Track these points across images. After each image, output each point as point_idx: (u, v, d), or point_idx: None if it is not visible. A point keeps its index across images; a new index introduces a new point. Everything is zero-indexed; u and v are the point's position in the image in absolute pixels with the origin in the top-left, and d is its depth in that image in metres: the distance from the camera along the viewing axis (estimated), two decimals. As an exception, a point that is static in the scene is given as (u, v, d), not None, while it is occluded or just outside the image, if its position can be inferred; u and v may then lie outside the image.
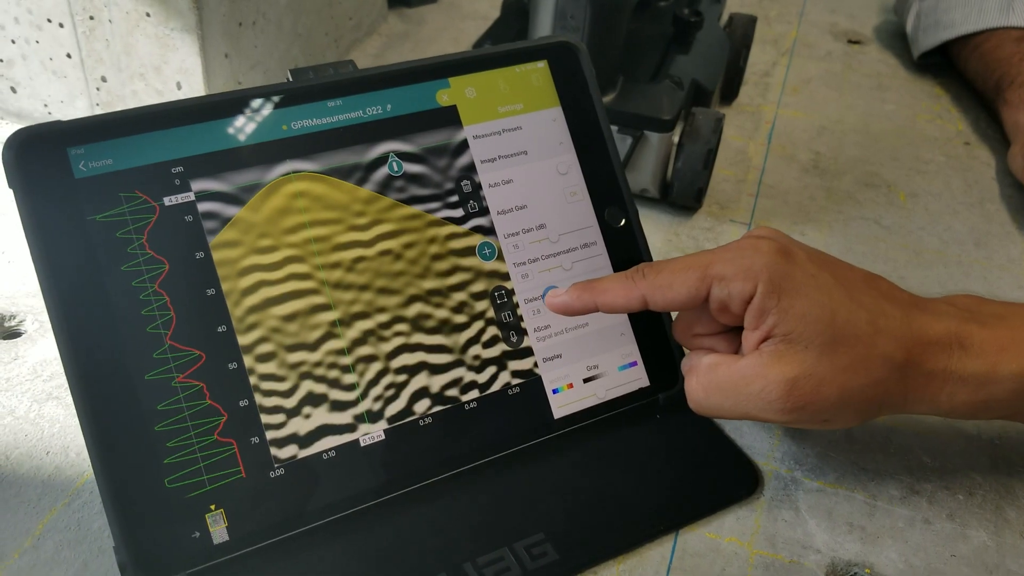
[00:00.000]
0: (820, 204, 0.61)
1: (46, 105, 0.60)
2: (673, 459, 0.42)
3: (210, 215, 0.38)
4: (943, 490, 0.42)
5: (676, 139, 0.56)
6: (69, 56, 0.57)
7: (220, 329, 0.37)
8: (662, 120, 0.55)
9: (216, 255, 0.38)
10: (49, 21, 0.56)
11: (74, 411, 0.42)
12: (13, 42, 0.58)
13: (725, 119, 0.58)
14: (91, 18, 0.56)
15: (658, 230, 0.57)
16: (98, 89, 0.58)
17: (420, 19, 0.81)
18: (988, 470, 0.43)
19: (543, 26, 0.55)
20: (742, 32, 0.68)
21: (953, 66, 0.77)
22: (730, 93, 0.70)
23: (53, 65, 0.58)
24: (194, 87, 0.56)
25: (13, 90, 0.60)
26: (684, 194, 0.57)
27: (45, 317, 0.48)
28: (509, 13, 0.66)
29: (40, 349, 0.46)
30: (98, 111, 0.59)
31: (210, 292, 0.37)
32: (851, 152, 0.67)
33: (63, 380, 0.44)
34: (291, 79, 0.41)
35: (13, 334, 0.47)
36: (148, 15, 0.54)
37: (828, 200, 0.62)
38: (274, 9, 0.61)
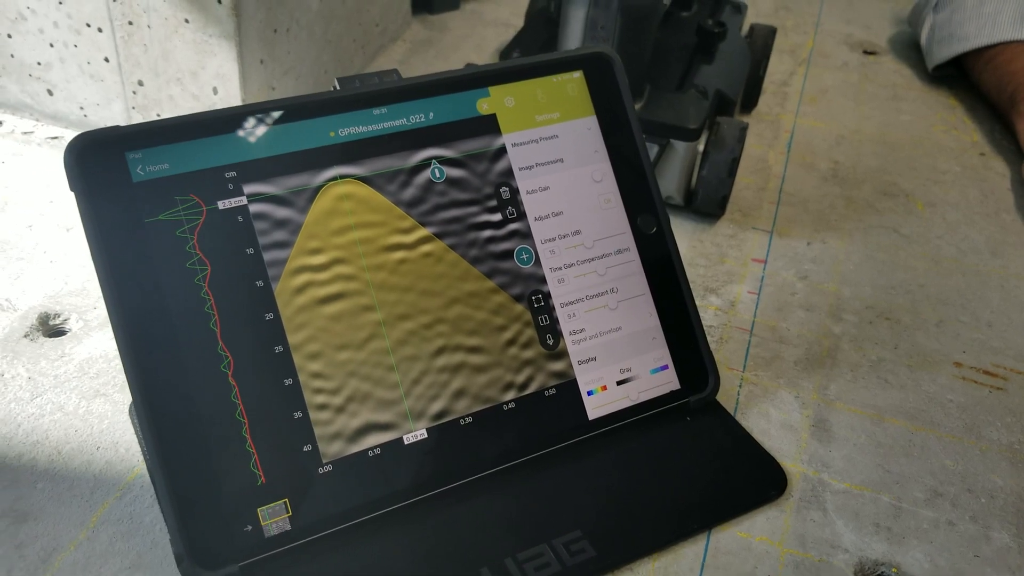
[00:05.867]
0: (840, 212, 0.62)
1: (82, 108, 0.62)
2: (704, 460, 0.44)
3: (261, 216, 0.39)
4: (966, 493, 0.43)
5: (701, 148, 0.58)
6: (107, 60, 0.59)
7: (270, 328, 0.38)
8: (689, 129, 0.56)
9: (267, 256, 0.39)
10: (88, 25, 0.58)
11: (121, 407, 0.43)
12: (51, 45, 0.59)
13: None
14: (130, 23, 0.57)
15: (682, 237, 0.58)
16: (134, 93, 0.60)
17: (443, 26, 0.82)
18: (1008, 474, 0.44)
19: (573, 35, 0.56)
20: (763, 43, 0.69)
21: (967, 78, 0.78)
22: (750, 102, 0.71)
23: (91, 69, 0.59)
24: (230, 92, 0.58)
25: (50, 92, 0.62)
26: (709, 202, 0.58)
27: (89, 315, 0.49)
28: (535, 22, 0.68)
29: (86, 347, 0.47)
30: (134, 114, 0.61)
31: (260, 285, 0.39)
32: (869, 162, 0.68)
33: (110, 377, 0.46)
34: (338, 87, 0.42)
35: (58, 332, 0.48)
36: (187, 21, 0.56)
37: (848, 209, 0.63)
38: (306, 16, 0.62)
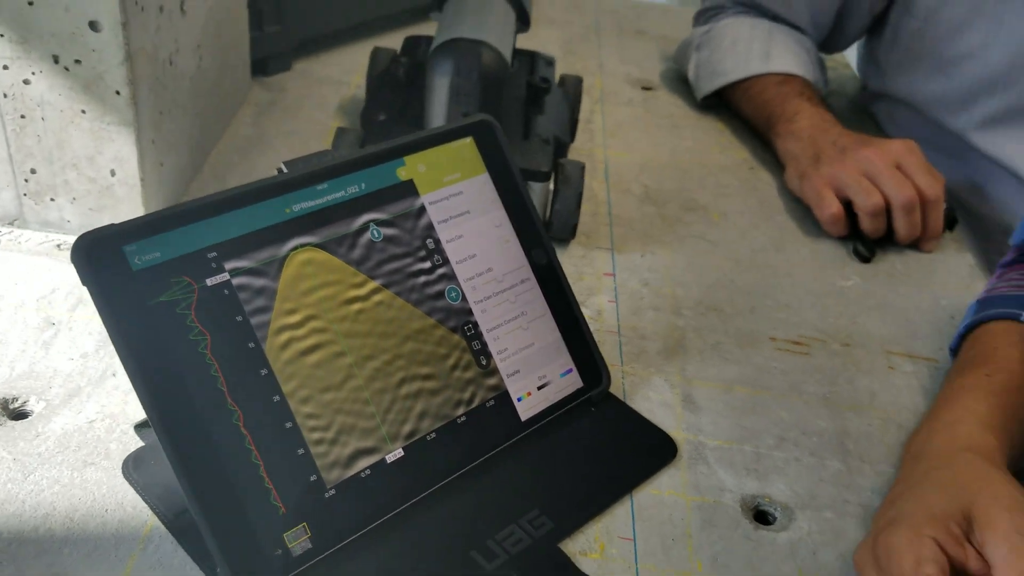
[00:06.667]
0: (659, 227, 0.76)
1: (-37, 198, 0.63)
2: (614, 439, 0.55)
3: (242, 287, 0.46)
4: (801, 435, 0.57)
5: (552, 186, 0.69)
6: (-6, 151, 0.61)
7: (266, 381, 0.45)
8: (542, 172, 0.67)
9: (253, 320, 0.45)
10: (-28, 120, 0.60)
11: (113, 472, 0.48)
12: (-70, 141, 0.60)
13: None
14: (22, 117, 0.59)
15: (543, 261, 0.69)
16: (26, 180, 0.62)
17: (280, 87, 0.88)
18: (828, 417, 0.59)
19: (439, 101, 0.65)
20: (574, 90, 0.82)
21: (730, 106, 0.95)
22: (570, 140, 0.84)
23: (-25, 160, 0.61)
24: (129, 172, 0.62)
25: (-74, 186, 0.62)
26: (562, 230, 0.69)
27: (48, 395, 0.52)
28: (383, 85, 0.76)
29: (58, 424, 0.50)
30: (27, 200, 0.63)
31: (252, 347, 0.45)
32: (669, 183, 0.83)
33: (92, 448, 0.49)
34: (285, 171, 0.49)
35: (21, 415, 0.51)
36: (84, 112, 0.59)
37: (664, 224, 0.77)
38: (182, 96, 0.67)
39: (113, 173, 0.62)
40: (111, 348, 0.56)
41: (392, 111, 0.72)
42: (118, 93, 0.59)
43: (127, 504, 0.47)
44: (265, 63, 0.88)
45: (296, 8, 0.87)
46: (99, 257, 0.42)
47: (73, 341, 0.57)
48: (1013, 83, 0.85)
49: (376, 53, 0.80)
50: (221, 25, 0.74)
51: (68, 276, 0.62)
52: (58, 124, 0.60)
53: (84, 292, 0.59)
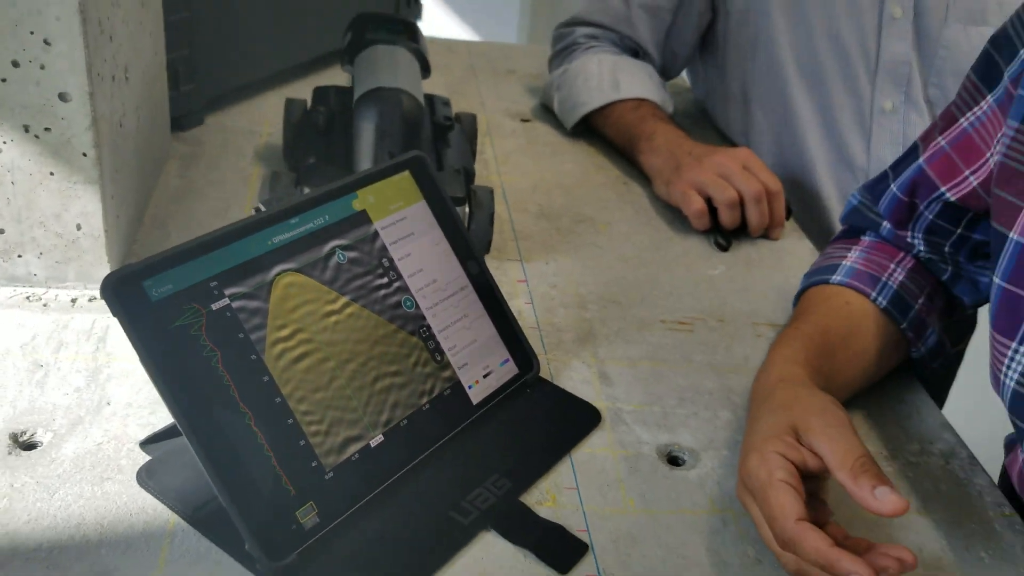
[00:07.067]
0: (556, 240, 0.88)
1: (-69, 260, 0.68)
2: (550, 413, 0.66)
3: (241, 310, 0.54)
4: (696, 395, 0.70)
5: (467, 209, 0.80)
6: (-37, 215, 0.67)
7: (268, 387, 0.54)
8: (458, 198, 0.78)
9: (252, 336, 0.54)
10: (-58, 188, 0.65)
11: (128, 484, 0.55)
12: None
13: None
14: (-7, 181, 0.66)
15: (464, 275, 0.80)
16: (-5, 239, 0.68)
17: (197, 140, 0.95)
18: (714, 379, 0.72)
19: (367, 143, 0.75)
20: (471, 126, 0.93)
21: (596, 132, 1.08)
22: (474, 169, 0.95)
23: (-54, 225, 0.67)
24: (94, 225, 0.69)
25: None
26: (480, 247, 0.80)
27: (54, 426, 0.59)
28: (303, 132, 0.85)
29: (69, 449, 0.57)
30: (-4, 258, 0.69)
31: (254, 358, 0.54)
32: (559, 201, 0.95)
33: (105, 466, 0.57)
34: (263, 209, 0.58)
35: (32, 445, 0.57)
36: (52, 174, 0.66)
37: (560, 236, 0.89)
38: (131, 154, 0.74)
39: (79, 227, 0.68)
40: (101, 380, 0.64)
41: (318, 154, 0.81)
42: (85, 155, 0.66)
43: (148, 508, 0.55)
44: (181, 119, 0.95)
45: (208, 67, 0.95)
46: (125, 292, 0.50)
47: (64, 379, 0.63)
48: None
49: (290, 104, 0.89)
50: (150, 87, 0.81)
51: (44, 324, 0.68)
52: (27, 186, 0.66)
53: (65, 335, 0.66)
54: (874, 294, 0.71)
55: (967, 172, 0.68)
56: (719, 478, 0.62)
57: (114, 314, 0.49)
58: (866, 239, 0.76)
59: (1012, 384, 0.60)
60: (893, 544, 0.51)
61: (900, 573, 0.50)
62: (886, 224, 0.75)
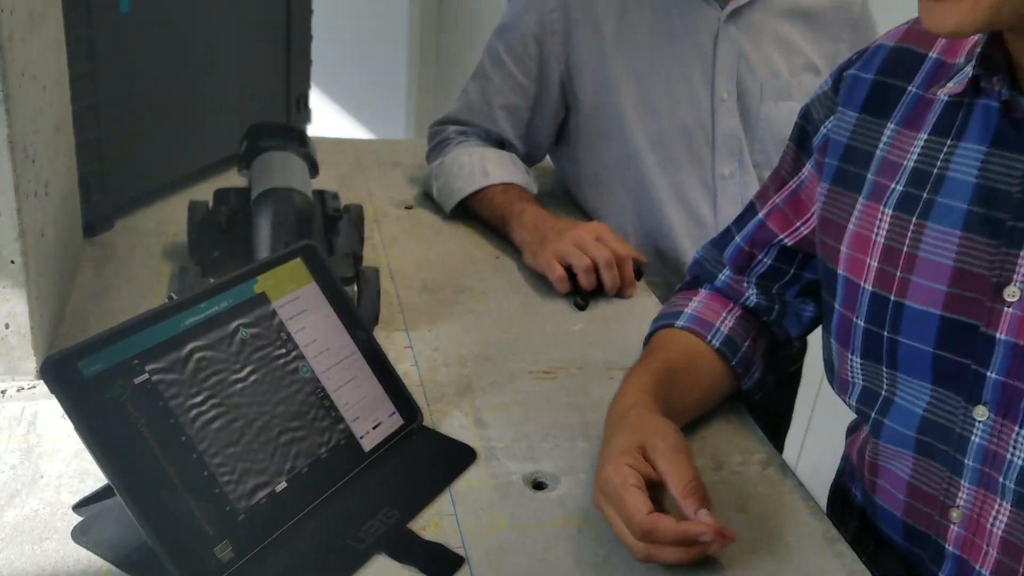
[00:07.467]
0: (439, 309, 1.00)
1: None
2: (432, 454, 0.77)
3: (160, 382, 0.65)
4: (559, 431, 0.82)
5: (356, 288, 0.92)
6: (-98, 321, 0.75)
7: (186, 445, 0.64)
8: (348, 278, 0.90)
9: (171, 404, 0.65)
10: None
11: (67, 540, 0.65)
12: None
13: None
14: (-71, 289, 0.75)
15: (356, 346, 0.91)
16: (-68, 341, 0.77)
17: (108, 243, 1.05)
18: (572, 419, 0.84)
19: (264, 236, 0.87)
20: (357, 215, 1.05)
21: (472, 214, 1.22)
22: (362, 253, 1.07)
23: None
24: (21, 324, 0.78)
25: None
26: (368, 320, 0.92)
27: (-1, 496, 0.68)
28: (206, 231, 0.96)
29: (10, 517, 0.66)
30: (-67, 357, 0.77)
31: (172, 422, 0.64)
32: (440, 276, 1.08)
33: (43, 529, 0.65)
34: (175, 297, 0.69)
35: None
36: (-17, 279, 0.76)
37: (442, 306, 1.01)
38: (49, 259, 0.84)
39: (7, 326, 0.78)
40: (34, 457, 0.73)
41: (221, 249, 0.92)
42: (12, 262, 0.76)
43: (83, 560, 0.64)
44: (93, 225, 1.05)
45: (116, 177, 1.06)
46: (61, 371, 0.60)
47: (0, 459, 0.72)
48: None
49: (193, 206, 1.00)
50: (66, 199, 0.92)
51: (-21, 412, 0.76)
52: (-39, 292, 0.76)
53: None
54: (709, 336, 0.86)
55: (798, 223, 0.84)
56: (576, 496, 0.75)
57: (52, 391, 0.59)
58: (703, 291, 0.91)
59: (860, 383, 0.75)
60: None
61: (724, 541, 0.65)
62: (725, 272, 0.89)
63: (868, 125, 0.76)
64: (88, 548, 0.65)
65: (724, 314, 0.88)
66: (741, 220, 0.89)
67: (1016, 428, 0.67)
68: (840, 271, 0.76)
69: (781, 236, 0.85)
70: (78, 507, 0.68)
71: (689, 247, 1.21)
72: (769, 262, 0.87)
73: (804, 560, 0.70)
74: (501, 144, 1.26)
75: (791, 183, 0.84)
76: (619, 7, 1.17)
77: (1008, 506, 0.67)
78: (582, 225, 1.08)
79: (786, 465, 0.81)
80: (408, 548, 0.68)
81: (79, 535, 0.66)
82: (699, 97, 1.18)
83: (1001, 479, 0.68)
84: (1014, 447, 0.67)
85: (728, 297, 0.90)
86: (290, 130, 1.03)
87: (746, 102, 1.19)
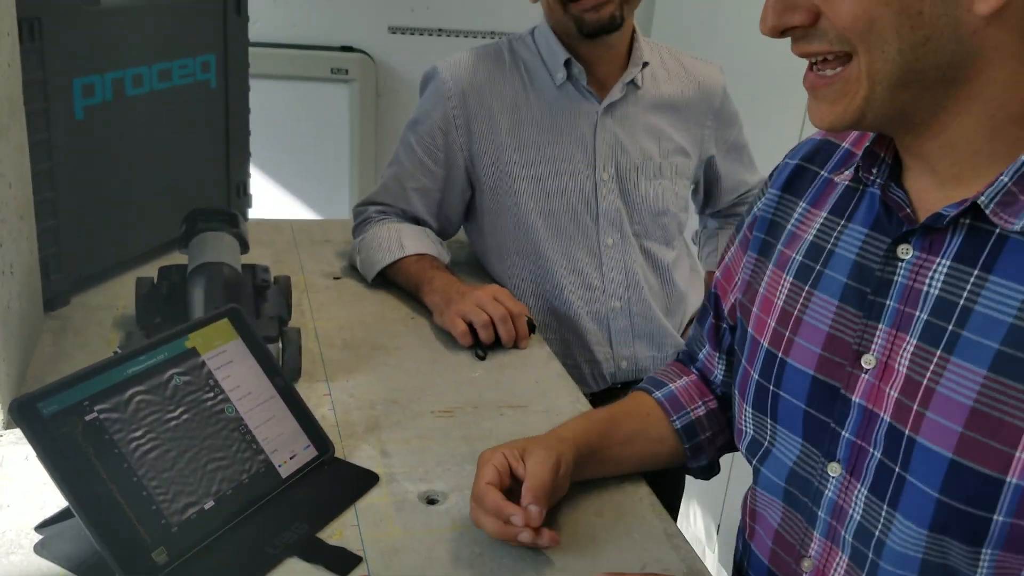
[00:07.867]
0: (357, 363, 1.16)
1: None
2: (341, 480, 0.92)
3: (107, 420, 0.79)
4: (451, 457, 0.97)
5: (280, 346, 1.07)
6: None
7: (128, 471, 0.78)
8: (272, 336, 1.05)
9: (116, 437, 0.79)
10: None
11: (30, 554, 0.78)
12: None
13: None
14: (-88, 355, 0.89)
15: (282, 395, 1.06)
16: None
17: (66, 317, 1.20)
18: (467, 446, 0.99)
19: (198, 301, 1.02)
20: (285, 284, 1.21)
21: (391, 282, 1.38)
22: (288, 317, 1.22)
23: None
24: (-10, 381, 0.92)
25: None
26: (291, 374, 1.07)
27: (-29, 521, 0.81)
28: (150, 301, 1.11)
29: (-15, 534, 0.79)
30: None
31: (117, 452, 0.78)
32: (360, 335, 1.23)
33: (11, 544, 0.79)
34: (120, 351, 0.84)
35: (-45, 536, 0.79)
36: (-42, 344, 0.90)
37: (359, 360, 1.17)
38: (13, 329, 0.99)
39: (-21, 383, 0.92)
40: (1, 492, 0.86)
41: (163, 315, 1.07)
42: (-17, 329, 0.90)
43: (43, 569, 0.77)
44: (52, 301, 1.20)
45: (72, 258, 1.21)
46: (25, 410, 0.75)
47: (-28, 493, 0.86)
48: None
49: (140, 282, 1.15)
50: (28, 278, 1.07)
51: (-47, 458, 0.90)
52: (-61, 356, 0.90)
53: (-28, 463, 0.89)
54: (675, 417, 0.96)
55: (730, 290, 0.92)
56: (462, 507, 0.89)
57: (17, 424, 0.74)
58: (694, 374, 1.00)
59: (750, 432, 0.85)
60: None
61: (537, 536, 0.79)
62: (705, 349, 0.97)
63: (786, 202, 0.85)
64: (48, 559, 0.78)
65: (699, 402, 0.97)
66: (709, 297, 0.97)
67: (859, 485, 0.73)
68: (750, 329, 0.85)
69: (723, 302, 0.93)
70: (39, 527, 0.81)
71: (580, 307, 1.38)
72: (725, 327, 0.94)
73: (645, 551, 0.85)
74: (417, 221, 1.43)
75: (726, 256, 0.94)
76: (512, 103, 1.36)
77: (846, 559, 0.75)
78: (483, 288, 1.25)
79: (640, 478, 0.96)
80: (315, 551, 0.82)
81: (40, 549, 0.79)
82: (583, 178, 1.36)
83: (843, 533, 0.74)
84: (855, 503, 0.73)
85: (704, 379, 0.99)
86: (224, 213, 1.19)
87: (624, 181, 1.37)
